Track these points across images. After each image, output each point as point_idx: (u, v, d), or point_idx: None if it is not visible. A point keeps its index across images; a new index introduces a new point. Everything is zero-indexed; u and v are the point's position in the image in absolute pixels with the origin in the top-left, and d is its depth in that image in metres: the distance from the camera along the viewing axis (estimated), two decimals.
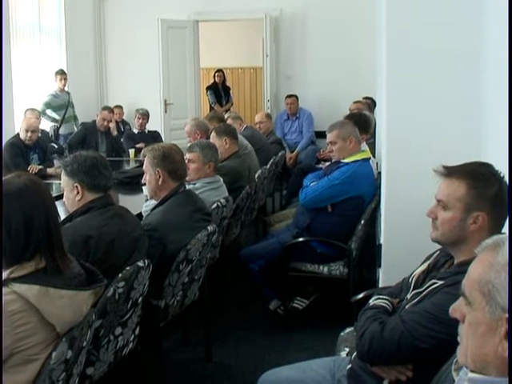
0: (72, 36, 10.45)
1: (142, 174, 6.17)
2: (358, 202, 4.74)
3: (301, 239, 4.77)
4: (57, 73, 9.59)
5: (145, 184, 4.21)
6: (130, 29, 10.82)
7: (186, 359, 4.44)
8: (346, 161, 4.79)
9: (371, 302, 2.62)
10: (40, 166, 6.77)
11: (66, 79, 9.57)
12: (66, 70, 9.76)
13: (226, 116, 7.76)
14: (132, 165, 7.77)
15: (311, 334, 4.77)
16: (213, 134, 5.69)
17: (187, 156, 4.54)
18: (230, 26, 12.90)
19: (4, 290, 2.20)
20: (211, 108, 12.30)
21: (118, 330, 3.09)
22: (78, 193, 3.23)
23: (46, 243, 2.31)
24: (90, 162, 3.27)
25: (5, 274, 2.26)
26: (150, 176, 3.92)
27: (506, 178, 2.32)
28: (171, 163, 3.88)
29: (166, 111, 10.56)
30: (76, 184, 3.23)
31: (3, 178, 2.41)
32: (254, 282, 5.07)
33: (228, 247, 5.16)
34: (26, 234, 2.28)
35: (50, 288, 2.25)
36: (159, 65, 10.48)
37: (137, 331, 3.32)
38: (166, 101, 10.57)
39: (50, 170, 6.71)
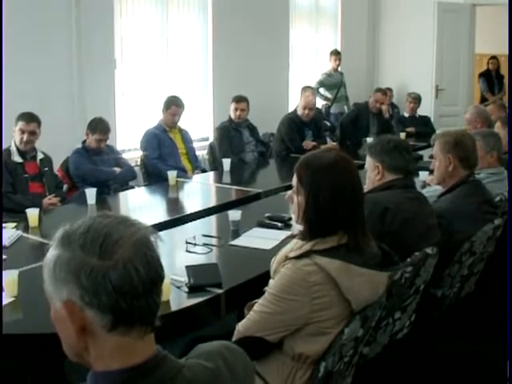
0: (347, 17, 10.62)
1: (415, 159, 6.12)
2: None
3: None
4: (332, 53, 9.77)
5: (424, 169, 4.11)
6: (404, 11, 10.68)
7: (448, 351, 4.31)
8: None
9: None
10: (314, 143, 6.93)
11: (340, 59, 9.70)
12: (340, 51, 9.90)
13: None
14: None
15: None
16: (498, 124, 5.43)
17: None
18: (506, 11, 12.21)
19: (306, 260, 2.25)
20: (482, 96, 11.79)
21: (397, 315, 3.05)
22: (378, 172, 3.32)
23: (351, 220, 2.32)
24: (393, 144, 3.35)
25: (307, 246, 2.30)
26: (439, 162, 3.82)
27: None
28: (463, 150, 3.75)
29: (436, 97, 10.33)
30: (377, 164, 3.33)
31: (316, 152, 2.48)
32: None
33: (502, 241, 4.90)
34: (333, 209, 2.31)
35: (351, 264, 2.25)
36: (433, 49, 10.27)
37: (412, 318, 3.27)
38: (437, 86, 10.35)
39: (323, 147, 6.83)
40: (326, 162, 2.37)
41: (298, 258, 2.26)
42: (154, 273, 1.27)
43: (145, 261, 1.25)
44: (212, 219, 4.33)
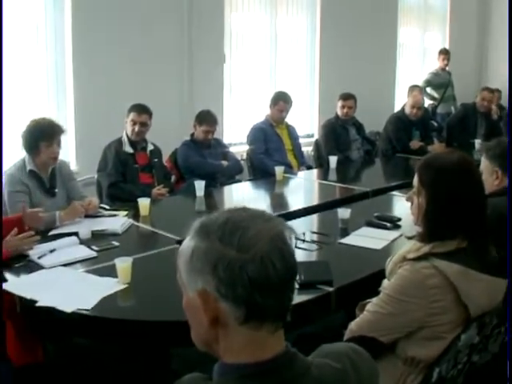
0: (456, 16, 10.43)
1: None
2: None
3: None
4: (440, 52, 9.61)
5: None
6: None
7: None
8: None
9: None
10: (421, 143, 6.84)
11: (448, 59, 9.51)
12: (448, 50, 9.72)
13: None
14: None
15: None
16: None
17: None
18: None
19: (424, 263, 2.21)
20: None
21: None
22: (497, 177, 3.24)
23: (471, 224, 2.27)
24: None
25: (426, 248, 2.26)
26: None
27: None
28: None
29: None
30: (496, 168, 3.24)
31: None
32: None
33: None
34: (454, 212, 2.25)
35: (470, 269, 2.20)
36: None
37: None
38: None
39: (430, 148, 6.70)
40: (448, 163, 2.31)
41: (416, 259, 2.23)
42: (289, 268, 1.27)
43: (281, 256, 1.25)
44: (319, 216, 4.32)
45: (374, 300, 2.34)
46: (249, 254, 1.22)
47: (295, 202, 5.10)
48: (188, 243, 1.30)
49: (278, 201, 5.17)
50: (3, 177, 4.08)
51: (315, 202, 4.95)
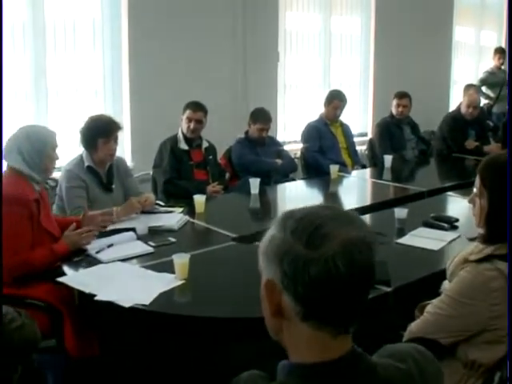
0: None
1: None
2: None
3: None
4: (496, 50, 9.45)
5: None
6: None
7: None
8: None
9: None
10: (476, 143, 6.72)
11: (504, 58, 9.35)
12: (504, 49, 9.55)
13: None
14: None
15: None
16: None
17: None
18: None
19: (487, 265, 2.18)
20: None
21: None
22: None
23: None
24: None
25: (488, 250, 2.22)
26: None
27: None
28: None
29: None
30: None
31: None
32: None
33: None
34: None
35: None
36: None
37: None
38: None
39: (486, 148, 6.58)
40: (499, 163, 2.27)
41: (479, 261, 2.20)
42: (357, 275, 1.21)
43: (349, 261, 1.20)
44: (375, 216, 4.28)
45: (435, 301, 2.31)
46: (315, 252, 1.19)
47: (350, 201, 5.08)
48: (269, 232, 1.29)
49: (333, 200, 5.13)
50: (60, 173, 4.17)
51: (370, 201, 4.92)
